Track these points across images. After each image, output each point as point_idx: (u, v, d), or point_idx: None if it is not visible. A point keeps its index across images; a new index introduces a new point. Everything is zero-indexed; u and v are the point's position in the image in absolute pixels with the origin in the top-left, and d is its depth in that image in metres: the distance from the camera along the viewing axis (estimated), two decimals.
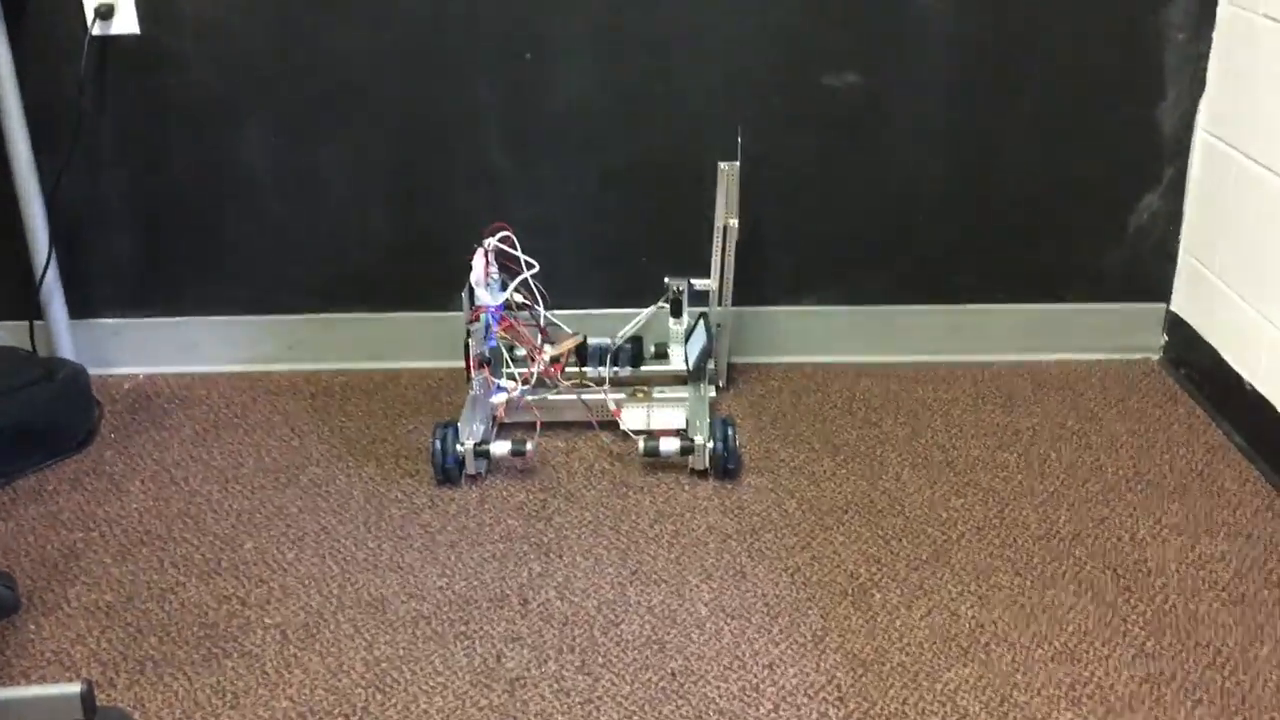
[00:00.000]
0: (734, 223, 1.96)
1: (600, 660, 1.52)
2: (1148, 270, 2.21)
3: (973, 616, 1.58)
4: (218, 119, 2.12)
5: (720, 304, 2.08)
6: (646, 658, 1.52)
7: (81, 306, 2.22)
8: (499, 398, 1.96)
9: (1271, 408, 1.86)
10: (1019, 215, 2.19)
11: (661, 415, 2.03)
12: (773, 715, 1.43)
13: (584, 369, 2.08)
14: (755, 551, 1.73)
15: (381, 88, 2.10)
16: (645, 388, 2.10)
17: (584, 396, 2.01)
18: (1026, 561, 1.69)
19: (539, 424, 1.98)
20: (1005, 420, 2.07)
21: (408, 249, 2.22)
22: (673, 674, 1.50)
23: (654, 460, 1.92)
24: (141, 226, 2.19)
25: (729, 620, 1.59)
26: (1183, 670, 1.48)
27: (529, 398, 2.00)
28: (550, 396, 2.02)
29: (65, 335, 2.17)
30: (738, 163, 1.95)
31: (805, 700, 1.45)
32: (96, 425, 2.06)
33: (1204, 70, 2.07)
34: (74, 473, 1.94)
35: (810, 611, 1.60)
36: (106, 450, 2.00)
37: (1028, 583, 1.65)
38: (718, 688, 1.47)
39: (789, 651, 1.53)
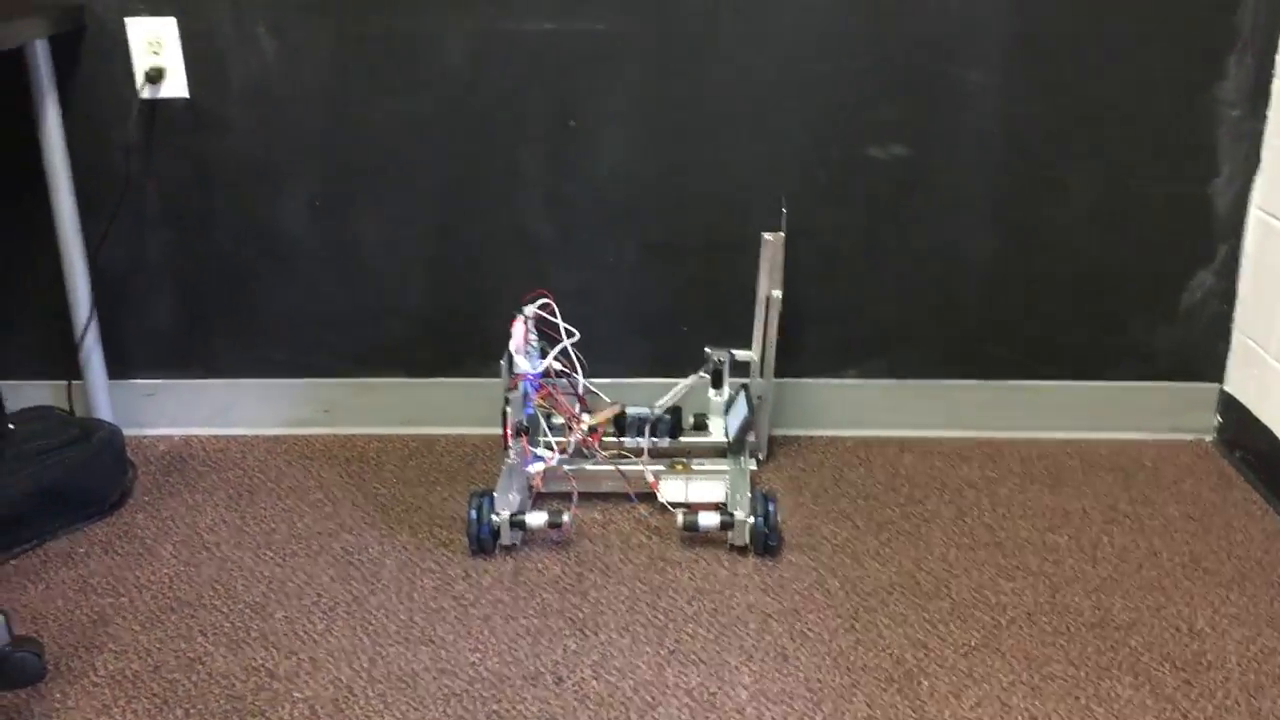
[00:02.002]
0: (777, 294, 1.95)
1: None
2: (1200, 349, 2.16)
3: (1025, 708, 1.52)
4: (260, 184, 2.12)
5: (762, 375, 2.05)
6: None
7: (119, 367, 2.21)
8: (536, 467, 1.93)
9: None
10: (1067, 291, 2.15)
11: (700, 488, 1.99)
12: None
13: (622, 439, 2.04)
14: (797, 633, 1.67)
15: (423, 154, 2.10)
16: (684, 459, 2.06)
17: (622, 467, 1.98)
18: (1080, 650, 1.63)
19: (575, 494, 1.95)
20: (1054, 501, 2.01)
21: (446, 315, 2.21)
22: None
23: (693, 535, 1.88)
24: (182, 289, 2.19)
25: (771, 705, 1.53)
26: None
27: (566, 467, 1.97)
28: (588, 467, 1.99)
29: (103, 396, 2.16)
30: (782, 233, 1.93)
31: None
32: (130, 487, 2.05)
33: (1258, 147, 2.04)
34: (105, 536, 1.91)
35: (855, 698, 1.54)
36: (139, 513, 1.98)
37: (1082, 673, 1.58)
38: None
39: None
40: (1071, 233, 2.12)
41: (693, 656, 1.63)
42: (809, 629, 1.68)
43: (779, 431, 2.21)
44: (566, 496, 1.94)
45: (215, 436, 2.24)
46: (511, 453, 1.91)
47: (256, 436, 2.24)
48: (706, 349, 2.08)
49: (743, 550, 1.86)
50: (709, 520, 1.84)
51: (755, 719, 1.51)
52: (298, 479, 2.10)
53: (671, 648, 1.64)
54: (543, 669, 1.61)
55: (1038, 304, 2.16)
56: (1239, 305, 2.12)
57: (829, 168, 2.10)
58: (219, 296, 2.20)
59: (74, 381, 2.18)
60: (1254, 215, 2.06)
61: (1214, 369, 2.17)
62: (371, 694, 1.56)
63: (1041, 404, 2.20)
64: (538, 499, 1.98)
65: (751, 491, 1.90)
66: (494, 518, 1.83)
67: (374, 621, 1.70)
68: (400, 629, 1.69)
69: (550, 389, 1.94)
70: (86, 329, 2.12)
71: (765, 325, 1.99)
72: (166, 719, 1.51)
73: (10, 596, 1.75)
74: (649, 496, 1.96)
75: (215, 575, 1.81)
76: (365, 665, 1.61)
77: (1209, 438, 2.19)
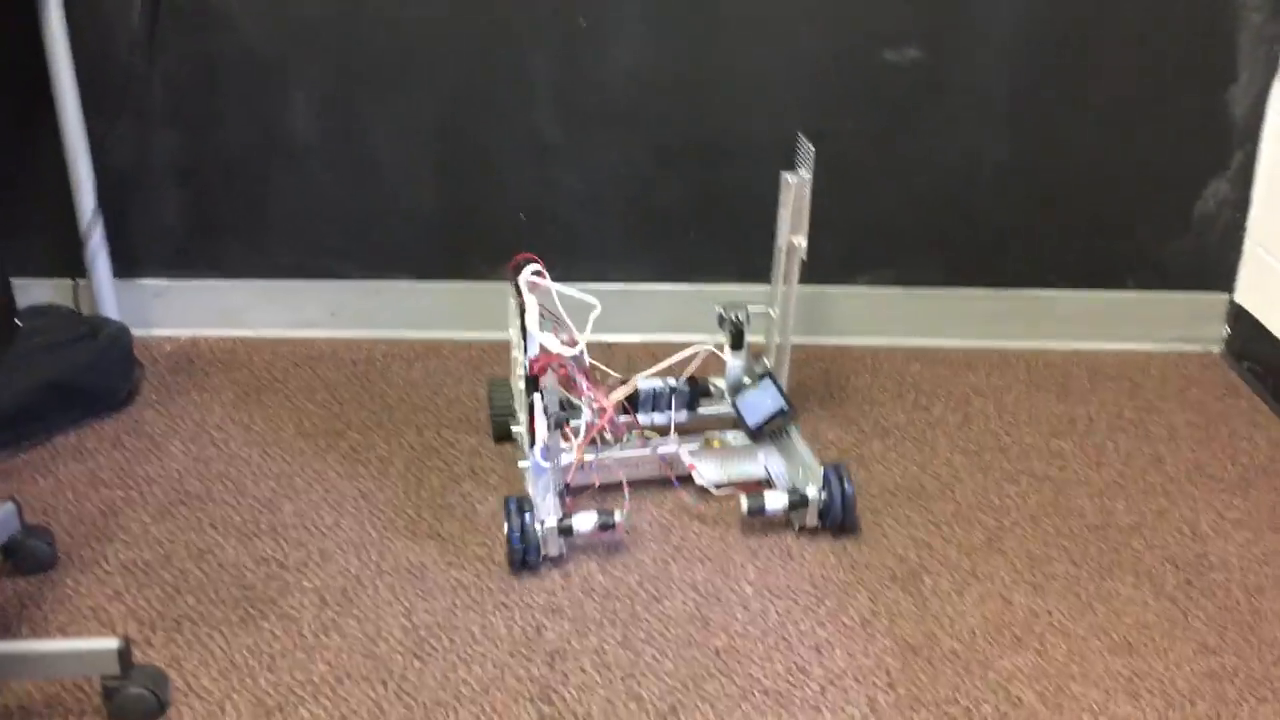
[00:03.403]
0: (801, 241, 1.76)
1: (642, 635, 1.49)
2: (1212, 259, 2.15)
3: (1027, 605, 1.54)
4: (267, 82, 2.09)
5: (780, 334, 1.85)
6: (689, 634, 1.49)
7: (127, 267, 2.20)
8: (567, 459, 1.68)
9: None
10: (1080, 199, 2.13)
11: (739, 465, 1.78)
12: (819, 698, 1.39)
13: (635, 416, 1.80)
14: (803, 532, 1.69)
15: (432, 54, 2.07)
16: (715, 434, 1.85)
17: (660, 450, 1.76)
18: (1083, 551, 1.64)
19: (626, 488, 1.72)
20: (1060, 408, 2.01)
21: (454, 218, 2.19)
22: (717, 652, 1.46)
23: (760, 518, 1.69)
24: (189, 188, 2.17)
25: (775, 599, 1.55)
26: (1246, 667, 1.43)
27: (600, 456, 1.73)
28: (620, 454, 1.76)
29: (110, 295, 2.16)
30: (807, 175, 1.73)
31: (853, 684, 1.41)
32: (138, 385, 2.05)
33: (1277, 52, 2.00)
34: (114, 432, 1.92)
35: (859, 594, 1.56)
36: (147, 410, 1.99)
37: (1084, 573, 1.60)
38: (763, 667, 1.43)
39: (836, 634, 1.49)
40: (1085, 140, 2.09)
41: (698, 553, 1.64)
42: (815, 530, 1.69)
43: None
44: (588, 490, 1.74)
45: (223, 337, 2.24)
46: (540, 452, 1.64)
47: (264, 338, 2.24)
48: (717, 308, 1.84)
49: (812, 532, 1.68)
50: (776, 502, 1.65)
51: (759, 611, 1.53)
52: (305, 380, 2.10)
53: (677, 544, 1.66)
54: (549, 564, 1.62)
55: (1049, 212, 2.14)
56: (1252, 214, 2.10)
57: (843, 72, 2.06)
58: (226, 197, 2.19)
59: (80, 280, 2.17)
60: (1272, 122, 2.03)
61: (1224, 279, 2.15)
62: (380, 584, 1.57)
63: (1050, 313, 2.19)
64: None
65: (820, 465, 1.68)
66: (538, 527, 1.58)
67: (382, 516, 1.72)
68: (408, 524, 1.70)
69: (568, 369, 1.66)
70: (92, 227, 2.11)
71: (786, 275, 1.81)
72: (178, 605, 1.53)
73: (20, 488, 1.76)
74: (685, 479, 1.76)
75: (224, 471, 1.82)
76: (374, 557, 1.63)
77: (1217, 348, 2.19)
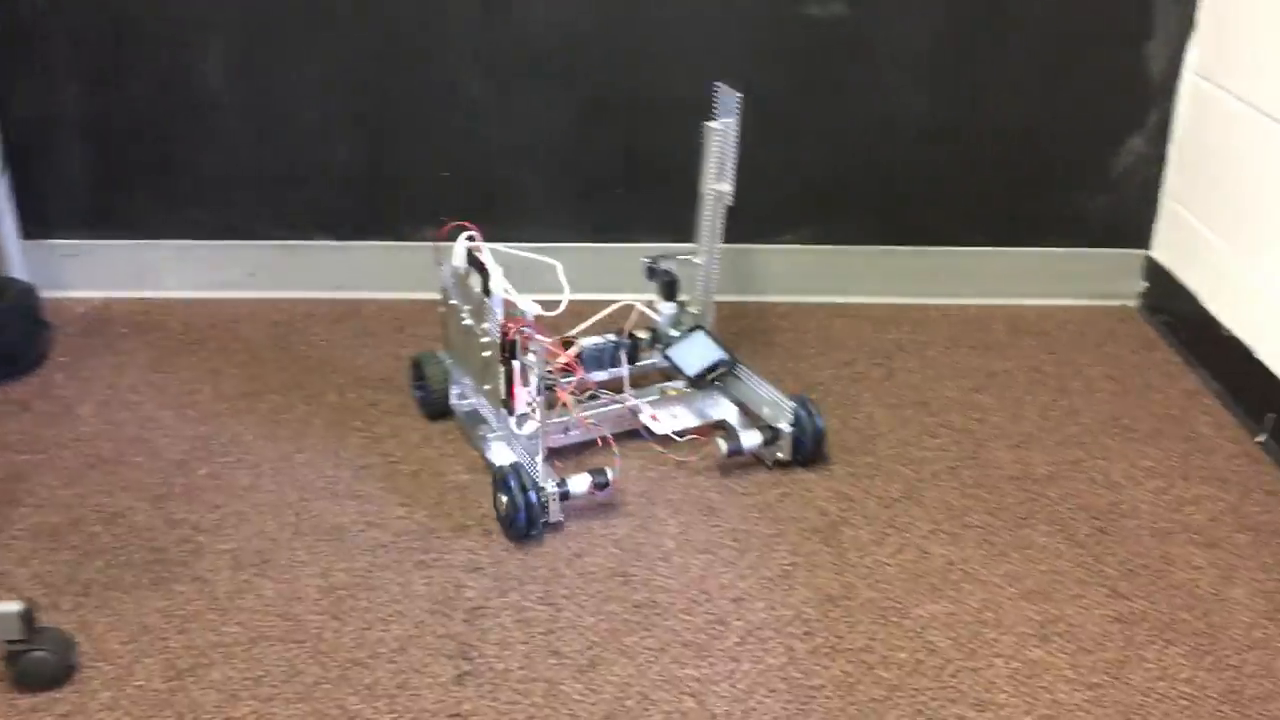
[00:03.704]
0: (726, 188, 1.77)
1: (563, 591, 1.48)
2: (1129, 215, 2.18)
3: (943, 554, 1.56)
4: (178, 34, 2.03)
5: (706, 284, 1.85)
6: (611, 589, 1.49)
7: (36, 227, 2.14)
8: (529, 427, 1.62)
9: (1249, 353, 1.84)
10: (1000, 156, 2.14)
11: (691, 412, 1.80)
12: (738, 648, 1.39)
13: (585, 377, 1.77)
14: (724, 488, 1.69)
15: (349, 6, 2.02)
16: (668, 385, 1.85)
17: (629, 404, 1.75)
18: (999, 502, 1.66)
19: (612, 443, 1.69)
20: (980, 363, 2.03)
21: (375, 176, 2.15)
22: (637, 606, 1.46)
23: (736, 456, 1.70)
24: (99, 145, 2.11)
25: (696, 554, 1.55)
26: (1155, 611, 1.46)
27: (578, 416, 1.71)
28: (600, 410, 1.75)
29: (16, 254, 2.09)
30: (732, 121, 1.73)
31: (772, 634, 1.42)
32: (47, 348, 1.99)
33: (1193, 9, 2.02)
34: (22, 395, 1.87)
35: (779, 547, 1.57)
36: (57, 374, 1.94)
37: (1000, 522, 1.62)
38: (683, 620, 1.44)
39: (757, 586, 1.50)
40: (1004, 97, 2.10)
41: (621, 510, 1.64)
42: (736, 484, 1.70)
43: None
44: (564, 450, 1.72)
45: (137, 299, 2.18)
46: (531, 417, 1.61)
47: (180, 299, 2.19)
48: (644, 260, 1.85)
49: (785, 465, 1.72)
50: (752, 440, 1.69)
51: (681, 566, 1.53)
52: (222, 341, 2.06)
53: (600, 501, 1.65)
54: (470, 522, 1.61)
55: (970, 170, 2.16)
56: (1169, 171, 2.13)
57: (768, 27, 2.05)
58: (139, 155, 2.13)
59: None
60: (1187, 80, 2.06)
61: (1141, 235, 2.19)
62: (297, 545, 1.55)
63: (972, 270, 2.21)
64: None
65: (789, 400, 1.71)
66: (535, 495, 1.54)
67: (300, 478, 1.69)
68: (327, 485, 1.68)
69: (532, 333, 1.59)
70: None
71: (711, 223, 1.81)
72: (87, 570, 1.49)
73: None
74: (633, 432, 1.75)
75: (137, 434, 1.78)
76: (291, 519, 1.60)
77: (1134, 303, 2.23)
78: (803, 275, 2.22)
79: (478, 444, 1.74)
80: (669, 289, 1.85)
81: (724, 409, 1.81)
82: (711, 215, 1.82)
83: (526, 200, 2.17)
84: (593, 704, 1.31)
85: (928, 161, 2.15)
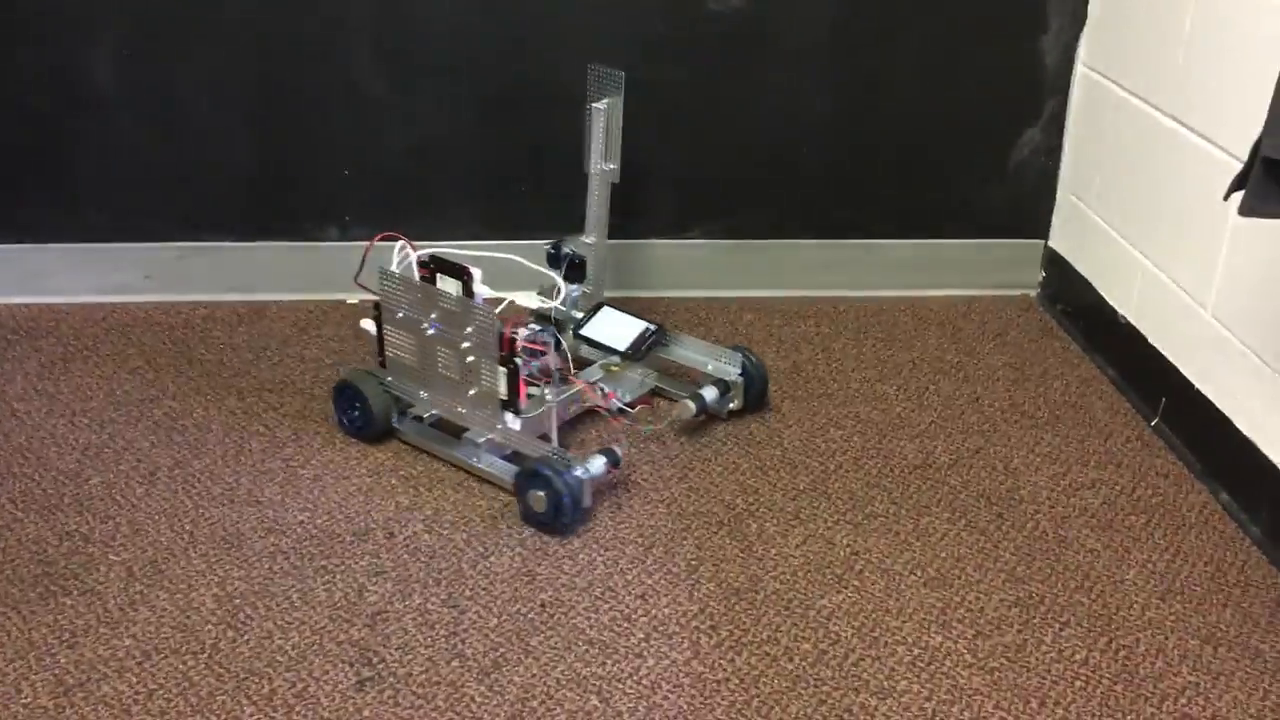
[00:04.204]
0: (611, 167, 1.82)
1: (467, 592, 1.47)
2: (1027, 206, 2.22)
3: (848, 544, 1.57)
4: (65, 30, 1.97)
5: (597, 265, 1.90)
6: (516, 590, 1.48)
7: None
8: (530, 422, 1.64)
9: (1143, 340, 1.88)
10: (902, 150, 2.17)
11: (633, 383, 1.85)
12: (643, 645, 1.39)
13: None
14: (631, 483, 1.69)
15: (242, 1, 1.98)
16: (607, 360, 1.86)
17: (601, 387, 1.79)
18: (903, 490, 1.68)
19: (616, 420, 1.79)
20: (886, 354, 2.06)
21: (274, 175, 2.11)
22: (542, 605, 1.45)
23: (700, 416, 1.77)
24: None
25: (602, 552, 1.55)
26: (1051, 593, 1.49)
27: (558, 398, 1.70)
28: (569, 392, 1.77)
29: None
30: (615, 100, 1.78)
31: (677, 629, 1.42)
32: None
33: (1085, 3, 2.07)
34: None
35: (685, 541, 1.57)
36: None
37: (903, 511, 1.64)
38: (588, 618, 1.43)
39: (663, 581, 1.50)
40: (904, 90, 2.13)
41: None
42: (643, 479, 1.70)
43: (620, 293, 2.20)
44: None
45: (27, 305, 2.12)
46: (554, 404, 1.65)
47: (72, 304, 2.12)
48: (546, 248, 1.87)
49: (738, 414, 1.81)
50: (710, 394, 1.78)
51: (586, 564, 1.52)
52: (116, 346, 2.00)
53: (506, 501, 1.64)
54: (373, 525, 1.59)
55: (873, 163, 2.18)
56: (1064, 162, 2.18)
57: (668, 21, 2.05)
58: (27, 154, 2.06)
59: None
60: (1080, 71, 2.10)
61: (1040, 225, 2.23)
62: (193, 554, 1.51)
63: (876, 262, 2.24)
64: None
65: (733, 350, 1.81)
66: (572, 482, 1.54)
67: (197, 485, 1.65)
68: (225, 491, 1.64)
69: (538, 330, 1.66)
70: None
71: (599, 202, 1.86)
72: None
73: None
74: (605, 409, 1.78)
75: (25, 443, 1.73)
76: (187, 527, 1.56)
77: (1034, 292, 2.27)
78: (711, 270, 2.22)
79: (458, 454, 1.69)
80: (578, 271, 1.88)
81: (653, 377, 1.88)
82: (599, 195, 1.85)
83: (429, 198, 2.14)
84: (496, 706, 1.30)
85: (832, 155, 2.17)
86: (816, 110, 2.13)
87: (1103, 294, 2.03)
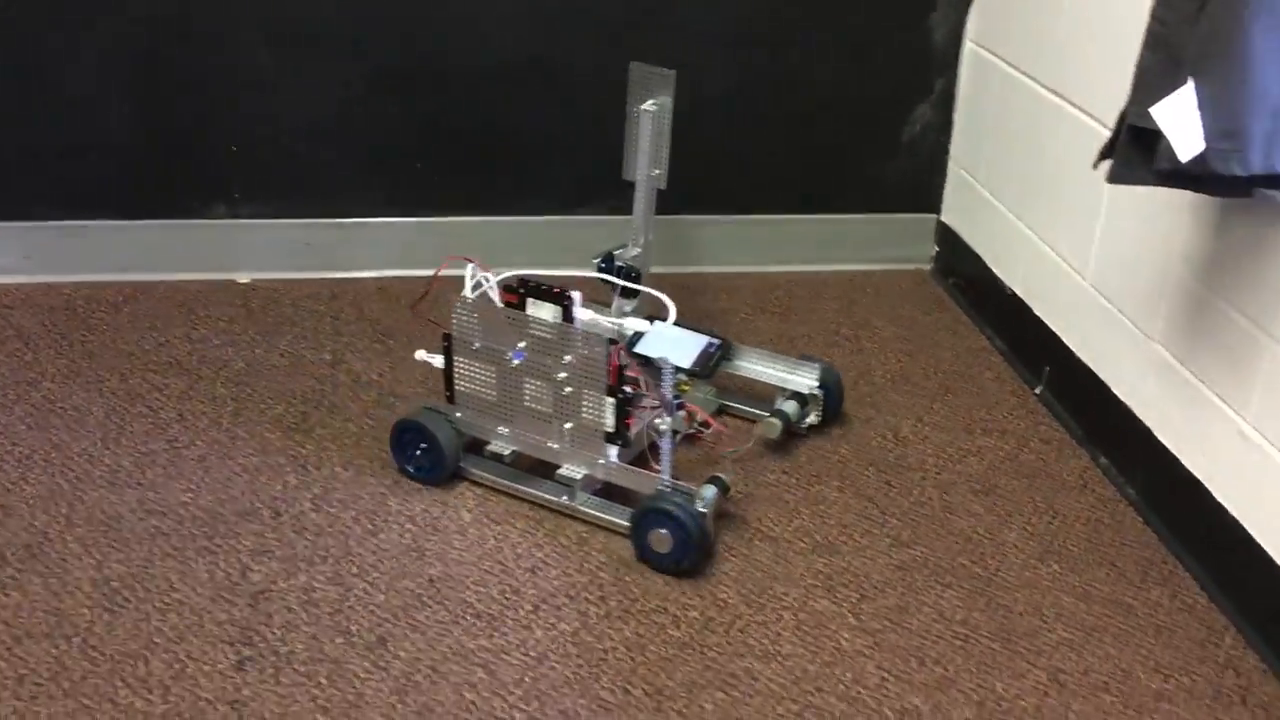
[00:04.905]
0: (658, 173, 1.70)
1: (354, 570, 1.45)
2: (920, 181, 2.25)
3: (738, 514, 1.58)
4: None
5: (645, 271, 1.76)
6: (404, 566, 1.46)
7: None
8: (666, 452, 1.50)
9: (1029, 311, 1.93)
10: (797, 127, 2.19)
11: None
12: (531, 616, 1.39)
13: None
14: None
15: None
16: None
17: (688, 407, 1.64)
18: (794, 460, 1.70)
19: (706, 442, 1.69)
20: (783, 328, 2.08)
21: (158, 152, 2.05)
22: (430, 581, 1.44)
23: (783, 431, 1.67)
24: None
25: (493, 526, 1.54)
26: (934, 557, 1.52)
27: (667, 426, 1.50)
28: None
29: None
30: (667, 100, 1.66)
31: (566, 600, 1.42)
32: None
33: None
34: None
35: (576, 515, 1.57)
36: None
37: (794, 480, 1.66)
38: (477, 592, 1.42)
39: (553, 555, 1.49)
40: (800, 68, 2.14)
41: (417, 487, 1.61)
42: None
43: (522, 271, 2.18)
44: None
45: None
46: (666, 434, 1.48)
47: None
48: (596, 261, 1.74)
49: (812, 429, 1.72)
50: (791, 409, 1.68)
51: (477, 539, 1.52)
52: None
53: (396, 478, 1.62)
54: (259, 504, 1.56)
55: (770, 140, 2.19)
56: (955, 138, 2.21)
57: None
58: None
59: None
60: (968, 49, 2.14)
61: (932, 201, 2.27)
62: (70, 538, 1.47)
63: (775, 238, 2.26)
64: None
65: (811, 363, 1.72)
66: (696, 520, 1.44)
67: (76, 468, 1.61)
68: (105, 474, 1.60)
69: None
70: None
71: (647, 208, 1.73)
72: None
73: None
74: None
75: None
76: (64, 510, 1.52)
77: (927, 266, 2.31)
78: (607, 246, 2.22)
79: (546, 494, 1.56)
80: (635, 283, 1.71)
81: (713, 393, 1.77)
82: (646, 204, 1.73)
83: (320, 174, 2.11)
84: (380, 681, 1.29)
85: (731, 133, 2.18)
86: (714, 88, 2.13)
87: (991, 267, 2.07)
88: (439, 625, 1.37)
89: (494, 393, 1.56)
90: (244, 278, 2.14)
